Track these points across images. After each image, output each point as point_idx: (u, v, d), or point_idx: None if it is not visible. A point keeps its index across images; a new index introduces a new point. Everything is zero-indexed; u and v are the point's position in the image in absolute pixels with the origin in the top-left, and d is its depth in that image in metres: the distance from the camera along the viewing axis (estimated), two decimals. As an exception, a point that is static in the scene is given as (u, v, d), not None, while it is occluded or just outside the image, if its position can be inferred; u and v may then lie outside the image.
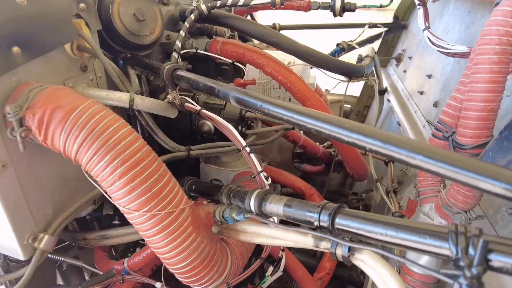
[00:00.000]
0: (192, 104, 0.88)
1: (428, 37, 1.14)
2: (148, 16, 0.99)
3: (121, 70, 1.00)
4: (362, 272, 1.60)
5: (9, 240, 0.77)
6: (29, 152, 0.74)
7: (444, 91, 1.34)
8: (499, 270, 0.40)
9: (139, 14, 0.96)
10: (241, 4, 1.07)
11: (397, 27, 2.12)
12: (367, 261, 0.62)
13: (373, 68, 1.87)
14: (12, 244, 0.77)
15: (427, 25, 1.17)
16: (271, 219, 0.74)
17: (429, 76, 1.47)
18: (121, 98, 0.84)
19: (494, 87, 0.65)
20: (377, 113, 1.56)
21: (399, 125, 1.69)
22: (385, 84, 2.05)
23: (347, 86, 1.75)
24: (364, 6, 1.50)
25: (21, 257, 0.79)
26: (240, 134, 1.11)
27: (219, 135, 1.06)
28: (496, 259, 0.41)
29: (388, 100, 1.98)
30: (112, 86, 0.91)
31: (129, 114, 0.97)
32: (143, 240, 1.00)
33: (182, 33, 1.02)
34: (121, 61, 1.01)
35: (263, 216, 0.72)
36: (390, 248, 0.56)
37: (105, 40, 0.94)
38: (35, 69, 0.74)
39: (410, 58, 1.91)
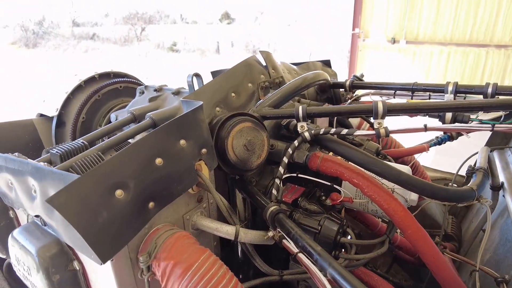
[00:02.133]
0: (290, 245, 0.94)
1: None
2: (256, 145, 1.10)
3: (229, 187, 1.12)
4: None
5: None
6: None
7: None
8: None
9: (249, 145, 1.07)
10: (343, 133, 1.11)
11: None
12: None
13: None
14: None
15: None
16: None
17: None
18: (228, 231, 0.94)
19: None
20: (487, 235, 1.40)
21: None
22: (501, 177, 1.82)
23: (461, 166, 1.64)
24: (480, 120, 1.39)
25: None
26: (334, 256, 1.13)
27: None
28: None
29: (503, 196, 1.75)
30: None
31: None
32: None
33: (281, 169, 1.09)
34: (229, 181, 1.13)
35: None
36: None
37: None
38: (163, 214, 0.88)
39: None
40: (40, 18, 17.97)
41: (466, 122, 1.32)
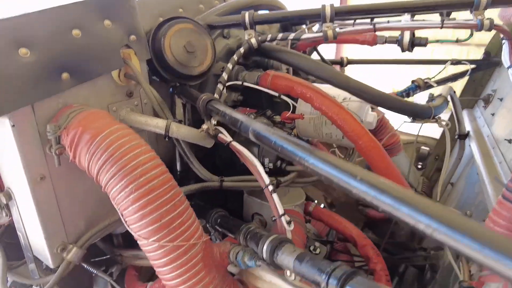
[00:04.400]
0: (224, 135, 0.87)
1: None
2: (198, 48, 1.03)
3: (170, 98, 1.05)
4: None
5: (41, 247, 0.83)
6: (68, 167, 0.80)
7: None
8: None
9: (188, 46, 1.00)
10: (291, 38, 1.05)
11: (487, 65, 1.87)
12: None
13: (453, 110, 1.67)
14: (43, 251, 0.83)
15: (512, 64, 1.00)
16: (286, 271, 0.66)
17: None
18: (158, 124, 0.87)
19: None
20: (447, 160, 1.36)
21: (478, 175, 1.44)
22: (468, 127, 1.80)
23: (421, 126, 1.58)
24: (437, 41, 1.35)
25: (50, 264, 0.84)
26: (279, 170, 1.06)
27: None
28: None
29: (470, 146, 1.72)
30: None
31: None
32: None
33: (229, 65, 1.03)
34: (171, 89, 1.06)
35: (274, 266, 0.65)
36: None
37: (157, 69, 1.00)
38: (81, 93, 0.80)
39: (501, 99, 1.65)
40: None
41: (424, 45, 1.28)
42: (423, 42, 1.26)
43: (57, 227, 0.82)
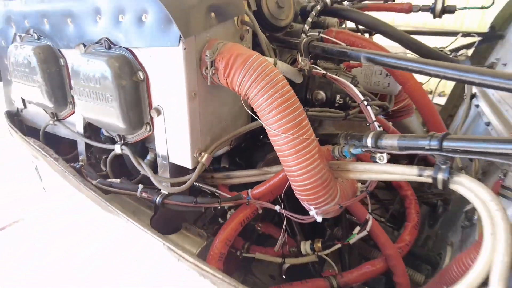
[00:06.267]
0: (319, 69, 1.13)
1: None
2: (286, 4, 1.28)
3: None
4: (440, 254, 1.68)
5: (182, 153, 1.08)
6: (208, 90, 1.05)
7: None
8: None
9: (280, 2, 1.25)
10: (357, 0, 1.31)
11: (492, 37, 2.19)
12: (465, 184, 0.80)
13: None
14: (185, 156, 1.08)
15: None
16: (381, 156, 0.94)
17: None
18: (267, 60, 1.12)
19: None
20: (466, 109, 1.66)
21: (487, 125, 1.76)
22: (474, 90, 2.12)
23: (437, 84, 1.88)
24: (465, 8, 1.64)
25: (189, 165, 1.09)
26: (346, 105, 1.33)
27: (329, 105, 1.30)
28: None
29: (476, 106, 2.04)
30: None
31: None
32: (254, 183, 1.26)
33: (310, 19, 1.29)
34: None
35: (379, 148, 0.93)
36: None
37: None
38: (218, 31, 1.04)
39: (505, 65, 1.97)
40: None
41: (453, 12, 1.57)
42: (452, 9, 1.55)
43: (197, 136, 1.07)
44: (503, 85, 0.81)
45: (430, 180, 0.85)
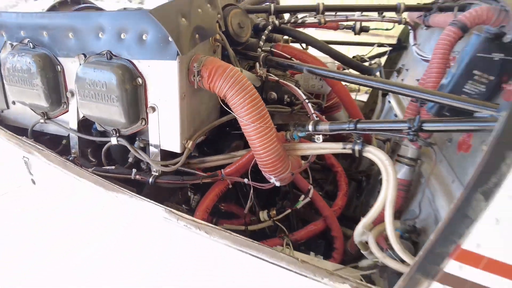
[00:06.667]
0: (273, 76, 1.53)
1: (415, 50, 1.79)
2: (245, 25, 1.65)
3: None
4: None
5: (172, 141, 1.40)
6: (193, 91, 1.38)
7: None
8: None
9: (241, 23, 1.62)
10: (299, 22, 1.73)
11: (399, 48, 2.79)
12: (372, 151, 1.25)
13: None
14: (174, 143, 1.40)
15: (415, 42, 1.83)
16: (318, 137, 1.36)
17: (418, 80, 2.12)
18: (238, 70, 1.49)
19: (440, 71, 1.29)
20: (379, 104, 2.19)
21: (395, 116, 2.32)
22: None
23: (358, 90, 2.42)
24: (375, 29, 2.17)
25: (178, 150, 1.41)
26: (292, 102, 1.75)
27: (279, 102, 1.70)
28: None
29: (389, 102, 2.62)
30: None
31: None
32: (223, 166, 1.62)
33: (263, 36, 1.68)
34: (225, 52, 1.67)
35: (317, 131, 1.35)
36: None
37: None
38: (199, 47, 1.38)
39: (407, 70, 2.56)
40: None
41: (367, 31, 2.08)
42: (367, 29, 2.06)
43: (184, 128, 1.40)
44: (395, 90, 1.28)
45: (350, 151, 1.29)
